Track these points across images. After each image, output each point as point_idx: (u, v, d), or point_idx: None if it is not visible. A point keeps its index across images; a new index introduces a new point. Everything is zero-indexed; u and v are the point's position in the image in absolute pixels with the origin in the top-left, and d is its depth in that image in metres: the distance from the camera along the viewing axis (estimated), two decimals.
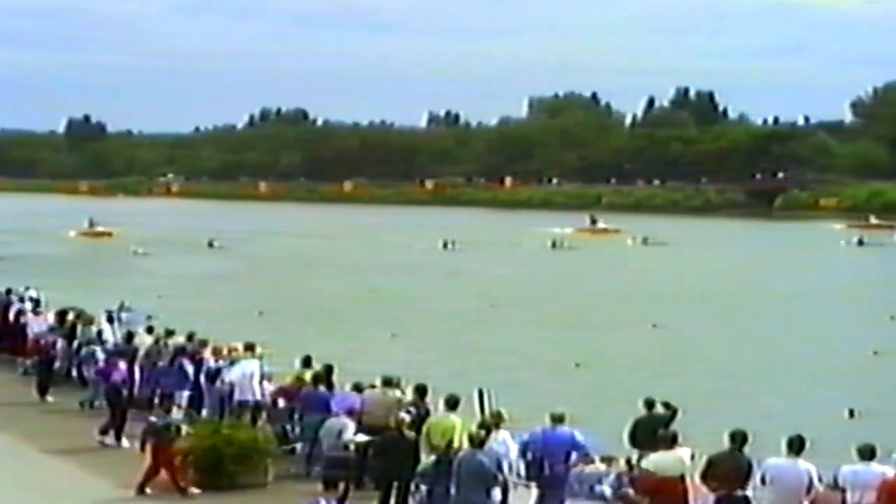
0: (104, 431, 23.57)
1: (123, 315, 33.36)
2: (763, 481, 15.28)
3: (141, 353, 26.83)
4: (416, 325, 48.60)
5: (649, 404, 19.20)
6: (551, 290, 64.37)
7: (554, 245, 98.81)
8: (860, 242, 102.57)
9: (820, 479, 15.72)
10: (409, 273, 73.29)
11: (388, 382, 20.92)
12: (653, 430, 18.29)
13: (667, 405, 19.21)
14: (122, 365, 24.74)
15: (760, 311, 55.13)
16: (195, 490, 19.89)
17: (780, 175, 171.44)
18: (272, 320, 47.61)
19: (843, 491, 15.29)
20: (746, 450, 15.71)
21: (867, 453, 15.45)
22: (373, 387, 21.12)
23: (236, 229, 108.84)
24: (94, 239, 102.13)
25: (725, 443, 15.83)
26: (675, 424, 18.10)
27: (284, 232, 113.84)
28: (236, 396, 23.46)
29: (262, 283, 68.24)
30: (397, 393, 20.58)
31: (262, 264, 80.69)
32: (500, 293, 60.88)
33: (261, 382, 23.48)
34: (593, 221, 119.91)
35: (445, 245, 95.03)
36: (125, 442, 23.12)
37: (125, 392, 24.39)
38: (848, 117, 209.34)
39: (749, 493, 15.41)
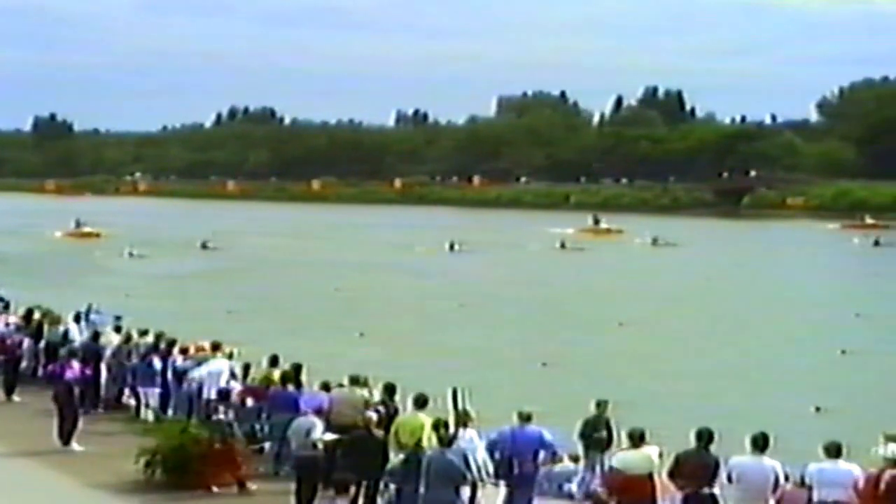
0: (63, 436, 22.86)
1: (93, 316, 33.17)
2: (729, 479, 15.35)
3: (108, 352, 26.74)
4: (385, 325, 48.57)
5: (599, 405, 19.14)
6: (554, 292, 64.08)
7: (563, 246, 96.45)
8: (876, 243, 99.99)
9: (787, 478, 15.82)
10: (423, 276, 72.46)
11: (355, 381, 20.92)
12: (600, 431, 18.37)
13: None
14: (76, 364, 23.81)
15: (756, 315, 54.51)
16: (252, 486, 19.90)
17: (752, 174, 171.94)
18: (241, 319, 47.54)
19: (810, 488, 15.37)
20: (713, 448, 15.79)
21: (834, 451, 15.52)
22: (341, 386, 21.11)
23: (227, 229, 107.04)
24: (82, 240, 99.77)
25: (692, 441, 15.91)
26: (643, 423, 18.12)
27: (276, 232, 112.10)
28: (205, 395, 23.43)
29: (242, 282, 67.97)
30: (365, 392, 20.58)
31: (252, 264, 79.74)
32: (504, 294, 60.88)
33: (228, 382, 23.44)
34: (596, 221, 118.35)
35: (452, 247, 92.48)
36: (75, 445, 22.66)
37: (77, 392, 23.41)
38: (814, 117, 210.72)
39: (716, 491, 15.48)
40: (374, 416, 18.56)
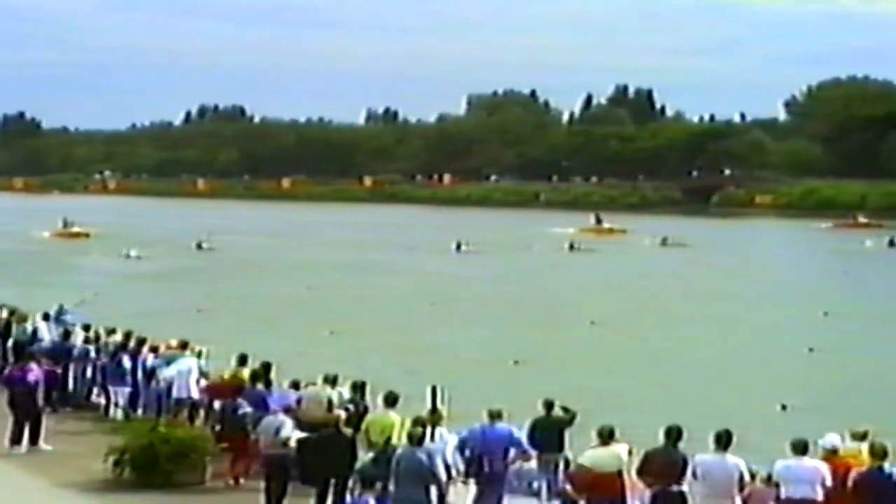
0: (15, 441, 22.45)
1: (67, 317, 33.01)
2: (694, 476, 15.44)
3: (76, 352, 26.63)
4: (357, 323, 48.52)
5: (548, 406, 19.06)
6: (530, 291, 63.88)
7: (572, 247, 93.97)
8: (891, 243, 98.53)
9: (752, 475, 15.92)
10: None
11: (325, 380, 20.92)
12: (549, 433, 18.36)
13: (566, 409, 19.01)
14: (35, 367, 23.21)
15: (730, 315, 54.15)
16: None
17: (727, 172, 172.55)
18: (213, 318, 47.46)
19: (777, 485, 15.47)
20: (682, 445, 15.86)
21: (800, 448, 15.65)
22: (312, 384, 21.10)
23: (221, 228, 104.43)
24: (70, 240, 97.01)
25: (661, 439, 15.98)
26: (612, 420, 18.12)
27: (268, 232, 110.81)
28: (174, 394, 23.39)
29: (219, 280, 67.70)
30: (335, 390, 20.57)
31: (238, 263, 79.13)
32: (480, 294, 60.78)
33: (198, 380, 23.40)
34: (598, 221, 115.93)
35: (458, 247, 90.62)
36: (43, 444, 22.44)
37: (42, 391, 23.04)
38: (782, 115, 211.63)
39: (685, 488, 15.54)
40: (342, 413, 18.55)
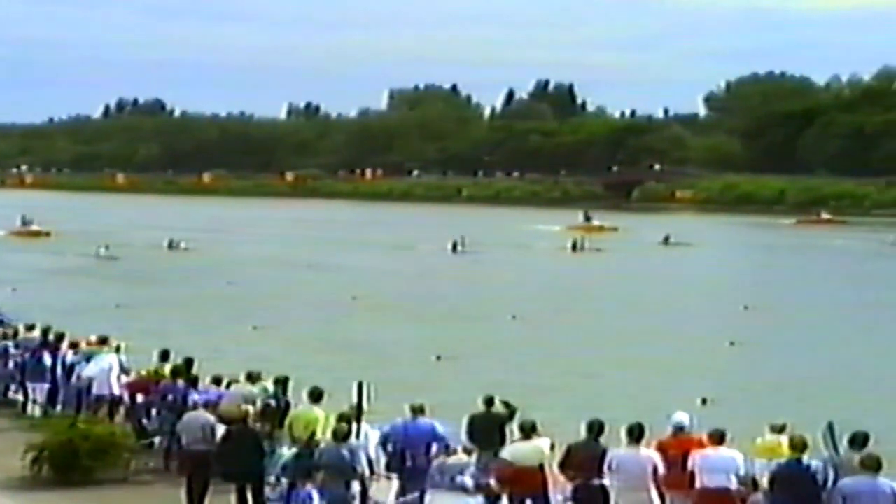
0: None
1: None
2: (610, 469, 15.57)
3: None
4: (279, 319, 48.31)
5: (488, 402, 19.05)
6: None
7: (574, 247, 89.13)
8: None
9: (669, 467, 16.13)
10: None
11: (248, 377, 20.81)
12: (489, 428, 18.37)
13: (506, 404, 18.95)
14: None
15: (658, 310, 53.58)
16: None
17: (651, 167, 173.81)
18: (133, 314, 47.07)
19: (693, 474, 15.65)
20: (603, 439, 15.97)
21: (717, 438, 15.91)
22: (235, 381, 20.98)
23: (186, 227, 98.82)
24: (30, 239, 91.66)
25: (583, 433, 16.07)
26: (534, 414, 18.18)
27: (190, 228, 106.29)
28: (94, 391, 23.16)
29: (143, 276, 67.01)
30: (259, 384, 20.45)
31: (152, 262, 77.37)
32: (400, 289, 60.65)
33: (119, 377, 23.20)
34: (587, 218, 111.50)
35: (455, 247, 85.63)
36: None
37: None
38: (702, 111, 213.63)
39: (606, 481, 15.64)
40: (251, 408, 18.44)
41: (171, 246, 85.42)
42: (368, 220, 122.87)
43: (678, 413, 16.81)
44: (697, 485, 15.60)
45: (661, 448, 16.13)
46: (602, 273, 73.72)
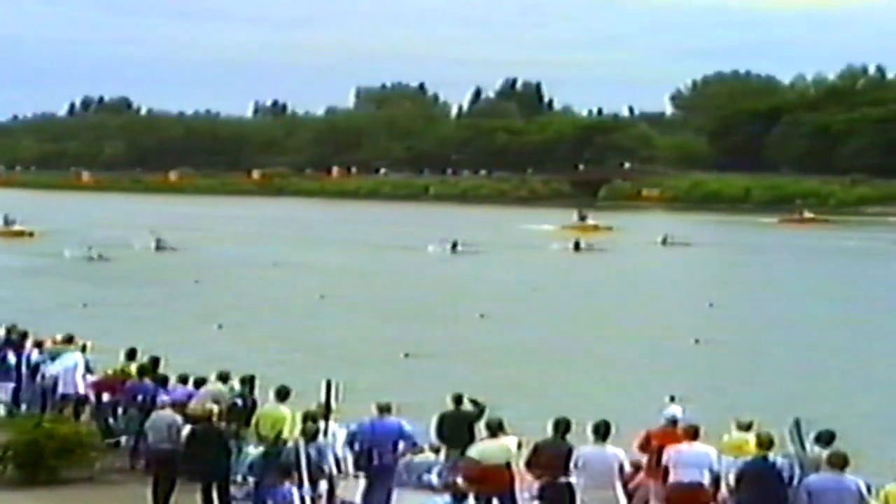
0: None
1: None
2: (576, 466, 15.60)
3: None
4: (245, 317, 48.21)
5: (457, 400, 19.04)
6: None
7: (577, 247, 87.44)
8: None
9: (638, 466, 16.14)
10: None
11: (218, 377, 20.71)
12: (458, 427, 18.37)
13: (475, 402, 18.96)
14: None
15: (626, 309, 53.84)
16: None
17: (619, 165, 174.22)
18: (99, 313, 46.87)
19: (666, 470, 15.68)
20: (570, 437, 15.99)
21: (690, 434, 15.96)
22: (203, 380, 20.89)
23: (171, 224, 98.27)
24: (13, 239, 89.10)
25: (550, 431, 16.08)
26: (501, 412, 18.18)
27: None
28: (59, 390, 23.01)
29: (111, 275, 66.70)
30: (228, 384, 20.37)
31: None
32: (368, 289, 60.58)
33: (84, 376, 23.07)
34: (582, 218, 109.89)
35: (454, 247, 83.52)
36: None
37: None
38: (669, 109, 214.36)
39: (573, 479, 15.66)
40: (215, 407, 18.39)
41: (158, 247, 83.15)
42: (339, 219, 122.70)
43: (671, 405, 17.02)
44: (671, 479, 15.63)
45: (650, 438, 16.45)
46: (612, 274, 72.68)
